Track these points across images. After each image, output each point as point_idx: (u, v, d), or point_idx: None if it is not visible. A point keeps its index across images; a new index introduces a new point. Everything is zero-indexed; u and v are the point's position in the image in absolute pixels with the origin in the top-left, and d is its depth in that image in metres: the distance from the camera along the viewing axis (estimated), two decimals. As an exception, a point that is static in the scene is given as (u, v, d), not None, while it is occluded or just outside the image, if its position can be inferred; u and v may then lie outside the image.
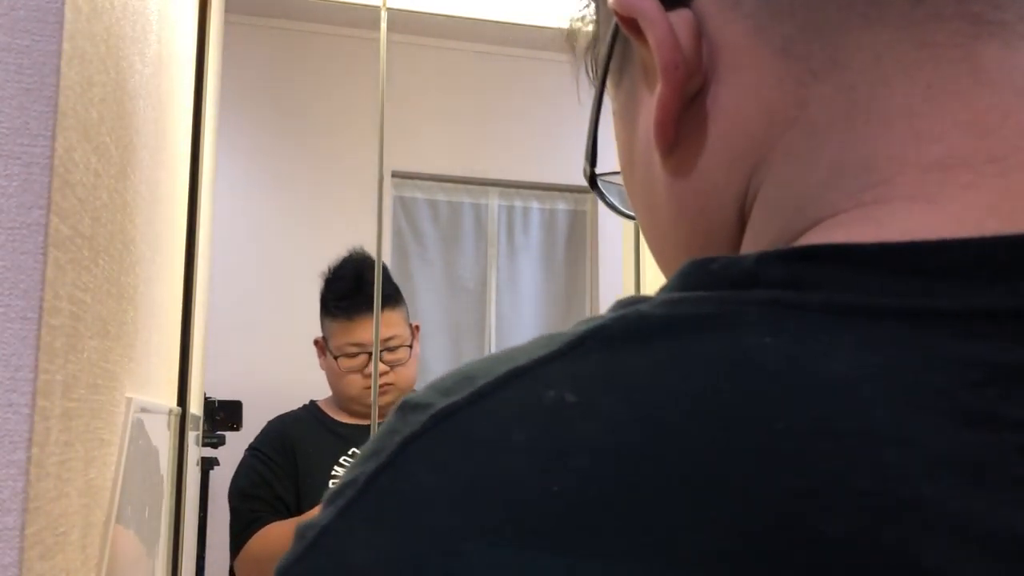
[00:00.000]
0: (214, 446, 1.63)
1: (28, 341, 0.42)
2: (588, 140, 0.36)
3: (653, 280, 1.47)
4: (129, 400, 0.68)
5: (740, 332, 0.22)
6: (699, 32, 0.28)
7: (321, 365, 1.52)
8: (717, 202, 0.29)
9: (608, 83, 0.34)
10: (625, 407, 0.22)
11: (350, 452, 1.42)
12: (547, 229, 2.78)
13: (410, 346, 1.48)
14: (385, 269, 1.48)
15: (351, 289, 1.46)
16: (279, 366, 2.15)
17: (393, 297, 1.48)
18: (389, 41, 1.46)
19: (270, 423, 1.49)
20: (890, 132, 0.25)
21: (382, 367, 1.43)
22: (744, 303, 0.23)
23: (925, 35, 0.25)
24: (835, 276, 0.23)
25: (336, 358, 1.46)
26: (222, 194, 1.94)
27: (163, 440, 0.99)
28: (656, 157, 0.31)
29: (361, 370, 1.45)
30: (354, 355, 1.45)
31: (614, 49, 0.32)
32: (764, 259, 0.24)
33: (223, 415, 1.64)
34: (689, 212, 0.30)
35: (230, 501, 1.42)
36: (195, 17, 1.18)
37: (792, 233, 0.27)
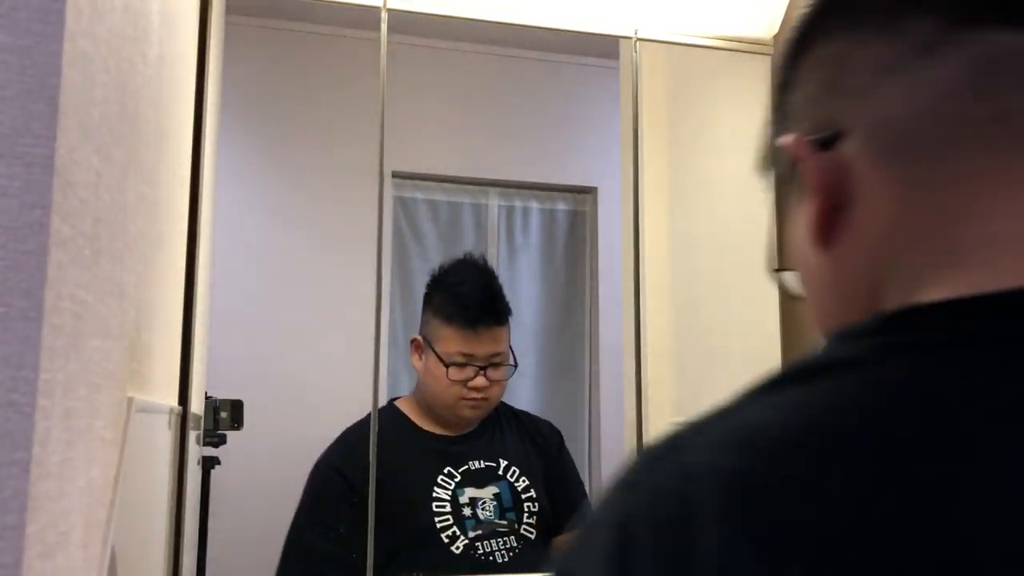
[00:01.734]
0: (215, 445, 1.63)
1: (30, 341, 0.42)
2: (768, 241, 0.52)
3: (652, 281, 1.47)
4: (130, 399, 0.68)
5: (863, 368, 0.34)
6: (841, 166, 0.41)
7: (415, 365, 1.48)
8: (858, 278, 0.41)
9: (790, 196, 0.47)
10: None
11: (446, 470, 1.37)
12: (547, 229, 2.78)
13: (512, 365, 1.46)
14: (500, 286, 1.47)
15: (480, 298, 1.44)
16: (280, 366, 2.15)
17: (508, 311, 1.47)
18: (389, 41, 1.46)
19: (349, 436, 1.40)
20: (965, 233, 0.37)
21: (485, 381, 1.40)
22: (864, 347, 0.35)
23: (988, 163, 0.38)
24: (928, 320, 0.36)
25: (447, 366, 1.41)
26: (223, 194, 1.94)
27: (164, 439, 1.00)
28: (809, 250, 0.43)
29: (466, 382, 1.41)
30: (462, 365, 1.41)
31: (791, 173, 0.45)
32: (879, 316, 0.37)
33: (224, 414, 1.64)
34: (838, 285, 0.43)
35: (295, 523, 1.32)
36: (196, 18, 1.18)
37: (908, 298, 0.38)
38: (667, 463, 0.34)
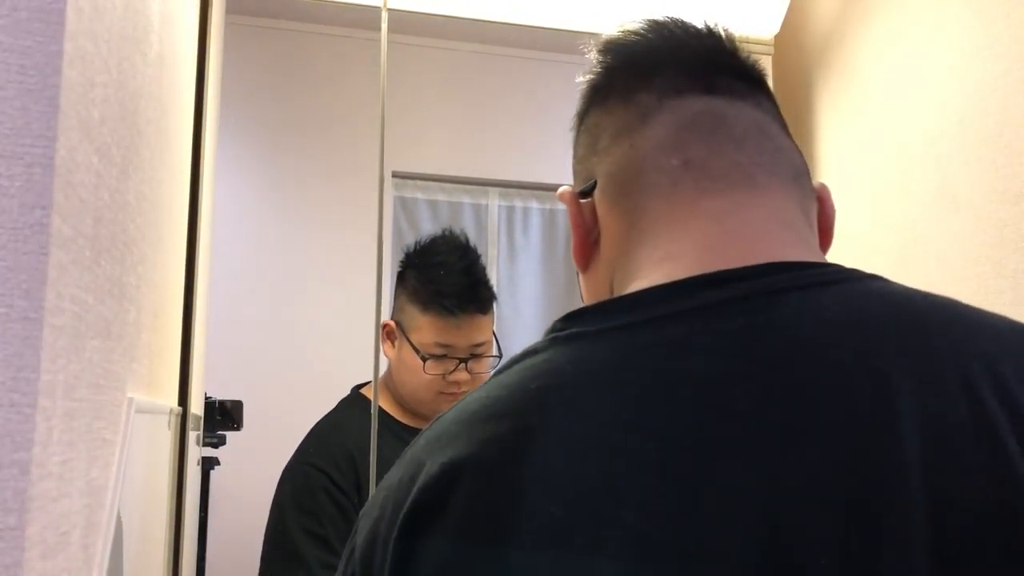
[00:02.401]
0: (215, 446, 1.63)
1: (31, 341, 0.42)
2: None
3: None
4: (130, 400, 0.68)
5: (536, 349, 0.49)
6: (592, 209, 0.55)
7: (387, 353, 1.33)
8: (603, 289, 0.55)
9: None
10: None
11: None
12: (547, 229, 2.78)
13: (495, 356, 1.32)
14: (483, 269, 1.33)
15: (463, 285, 1.27)
16: (279, 366, 2.14)
17: (492, 300, 1.31)
18: (389, 42, 1.46)
19: (324, 431, 1.28)
20: (649, 251, 0.51)
21: (464, 376, 1.27)
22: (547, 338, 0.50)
23: (668, 199, 0.51)
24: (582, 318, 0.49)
25: (424, 359, 1.27)
26: (223, 194, 1.94)
27: (164, 440, 0.99)
28: (578, 271, 0.58)
29: (444, 375, 1.27)
30: (440, 357, 1.27)
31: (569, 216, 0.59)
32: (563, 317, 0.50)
33: (224, 415, 1.64)
34: (594, 295, 0.56)
35: (279, 529, 1.20)
36: (196, 17, 1.18)
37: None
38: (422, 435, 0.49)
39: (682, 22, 0.57)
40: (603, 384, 0.43)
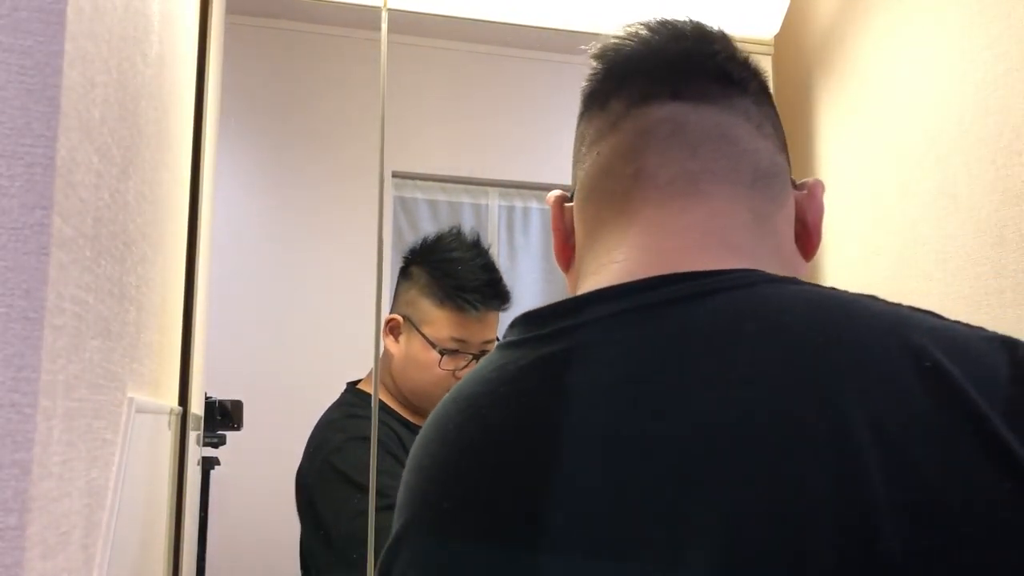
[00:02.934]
0: (215, 446, 1.63)
1: (31, 341, 0.42)
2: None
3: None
4: (131, 400, 0.68)
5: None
6: (570, 213, 0.58)
7: (390, 349, 1.33)
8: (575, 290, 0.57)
9: None
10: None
11: None
12: (547, 229, 2.78)
13: None
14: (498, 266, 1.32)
15: (484, 280, 1.29)
16: (280, 366, 2.14)
17: (510, 297, 1.35)
18: (389, 42, 1.46)
19: (337, 421, 1.26)
20: (593, 259, 0.54)
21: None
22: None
23: (619, 208, 0.53)
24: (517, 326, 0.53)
25: (441, 353, 1.26)
26: (223, 194, 1.94)
27: (164, 440, 0.99)
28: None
29: (454, 372, 1.27)
30: (453, 352, 1.27)
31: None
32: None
33: (224, 415, 1.64)
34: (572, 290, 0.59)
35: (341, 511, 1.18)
36: (196, 18, 1.18)
37: None
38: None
39: (666, 25, 0.58)
40: (510, 393, 0.47)
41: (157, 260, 0.86)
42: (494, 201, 2.75)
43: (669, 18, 0.59)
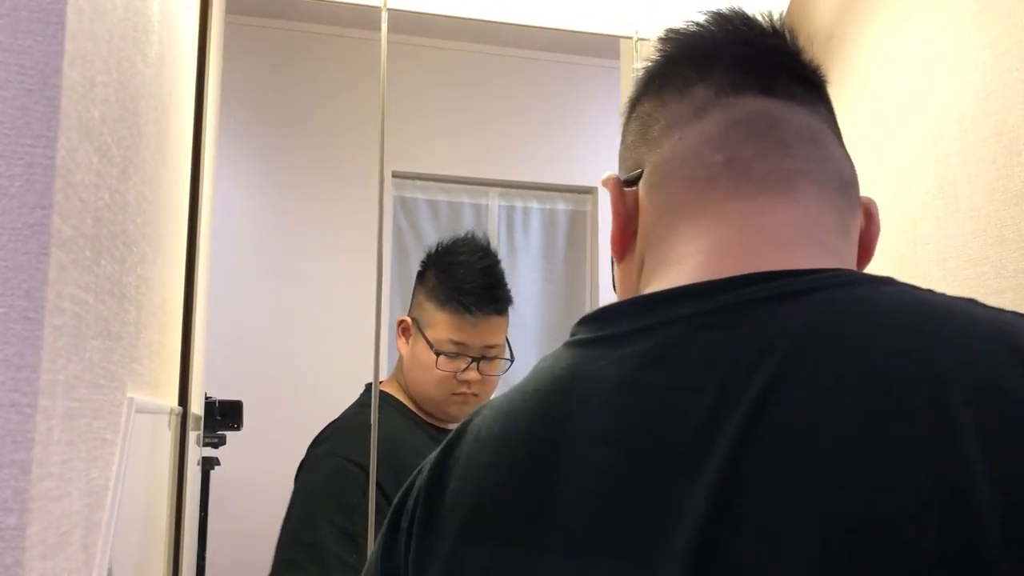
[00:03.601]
0: (215, 446, 1.63)
1: (31, 341, 0.42)
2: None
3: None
4: (131, 400, 0.68)
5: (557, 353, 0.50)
6: (635, 198, 0.55)
7: (400, 349, 1.34)
8: (634, 281, 0.55)
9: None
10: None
11: None
12: (547, 229, 2.78)
13: (507, 359, 1.32)
14: (502, 272, 1.35)
15: (481, 282, 1.30)
16: (279, 366, 2.15)
17: (508, 302, 1.34)
18: (389, 42, 1.46)
19: (353, 427, 1.26)
20: (670, 249, 0.51)
21: (475, 375, 1.28)
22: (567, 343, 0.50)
23: (702, 197, 0.51)
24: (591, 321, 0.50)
25: (437, 354, 1.28)
26: (223, 194, 1.94)
27: (164, 440, 0.99)
28: (614, 260, 0.58)
29: (455, 374, 1.28)
30: (453, 355, 1.28)
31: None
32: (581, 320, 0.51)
33: (224, 415, 1.64)
34: (626, 288, 0.57)
35: (303, 518, 1.17)
36: (196, 18, 1.18)
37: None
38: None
39: (747, 17, 0.56)
40: (589, 395, 0.44)
41: (157, 260, 0.86)
42: (494, 201, 2.75)
43: (748, 11, 0.57)
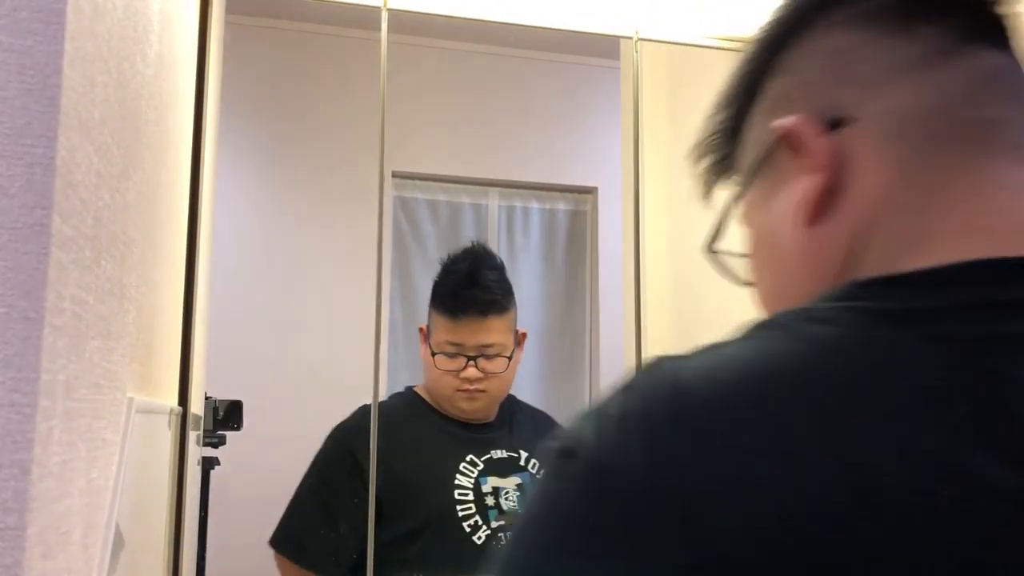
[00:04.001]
0: (215, 446, 1.63)
1: (31, 341, 0.42)
2: (718, 221, 0.52)
3: (653, 280, 1.47)
4: (131, 400, 0.68)
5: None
6: (842, 149, 0.44)
7: (420, 354, 1.46)
8: (836, 253, 0.44)
9: (756, 177, 0.49)
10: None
11: (468, 457, 1.33)
12: (547, 229, 2.78)
13: (509, 357, 1.39)
14: (502, 269, 1.43)
15: (462, 285, 1.40)
16: (279, 366, 2.15)
17: (500, 303, 1.41)
18: (389, 42, 1.46)
19: (366, 413, 1.33)
20: (942, 217, 0.41)
21: (476, 372, 1.36)
22: (845, 310, 0.37)
23: (963, 160, 0.42)
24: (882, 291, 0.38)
25: (434, 354, 1.39)
26: (223, 194, 1.94)
27: (164, 440, 0.99)
28: (789, 228, 0.46)
29: (456, 372, 1.38)
30: (452, 355, 1.38)
31: (768, 154, 0.47)
32: (856, 283, 0.39)
33: (224, 415, 1.64)
34: (815, 260, 0.45)
35: (305, 474, 1.35)
36: (196, 17, 1.18)
37: (886, 268, 0.41)
38: (648, 378, 0.36)
39: None
40: (918, 388, 0.33)
41: (157, 260, 0.86)
42: (494, 201, 2.75)
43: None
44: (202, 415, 1.53)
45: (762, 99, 0.49)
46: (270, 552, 1.44)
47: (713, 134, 0.53)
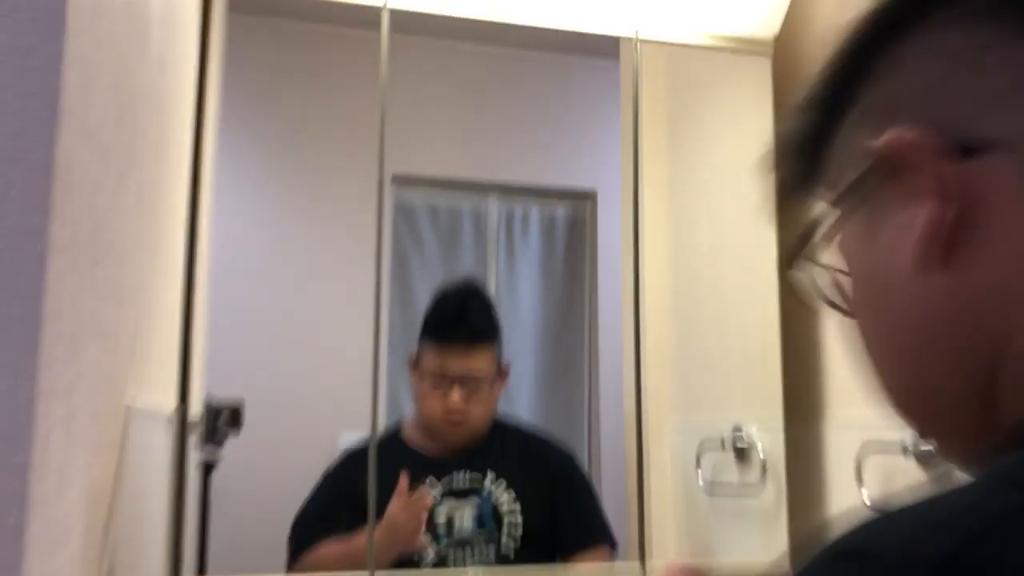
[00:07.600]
0: (215, 447, 1.63)
1: (30, 346, 0.42)
2: (803, 236, 0.43)
3: (652, 285, 1.47)
4: (130, 402, 0.68)
5: None
6: (977, 177, 0.34)
7: (412, 382, 1.54)
8: (967, 317, 0.34)
9: (838, 204, 0.40)
10: None
11: (427, 483, 1.39)
12: (546, 234, 2.78)
13: (490, 385, 1.48)
14: (491, 307, 1.55)
15: (452, 318, 1.51)
16: (279, 368, 2.14)
17: (486, 333, 1.52)
18: (390, 41, 1.45)
19: (359, 449, 1.44)
20: None
21: (456, 399, 1.44)
22: None
23: None
24: None
25: (423, 379, 1.48)
26: (223, 194, 1.94)
27: (163, 442, 0.99)
28: (905, 268, 0.35)
29: (443, 399, 1.45)
30: (438, 383, 1.46)
31: (871, 175, 0.37)
32: None
33: (224, 415, 1.63)
34: (944, 317, 0.35)
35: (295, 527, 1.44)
36: (197, 16, 1.18)
37: None
38: (883, 534, 0.29)
39: None
40: None
41: (156, 263, 0.86)
42: (494, 206, 2.75)
43: None
44: (201, 417, 1.53)
45: (858, 106, 0.39)
46: (270, 552, 1.44)
47: (794, 141, 0.43)
